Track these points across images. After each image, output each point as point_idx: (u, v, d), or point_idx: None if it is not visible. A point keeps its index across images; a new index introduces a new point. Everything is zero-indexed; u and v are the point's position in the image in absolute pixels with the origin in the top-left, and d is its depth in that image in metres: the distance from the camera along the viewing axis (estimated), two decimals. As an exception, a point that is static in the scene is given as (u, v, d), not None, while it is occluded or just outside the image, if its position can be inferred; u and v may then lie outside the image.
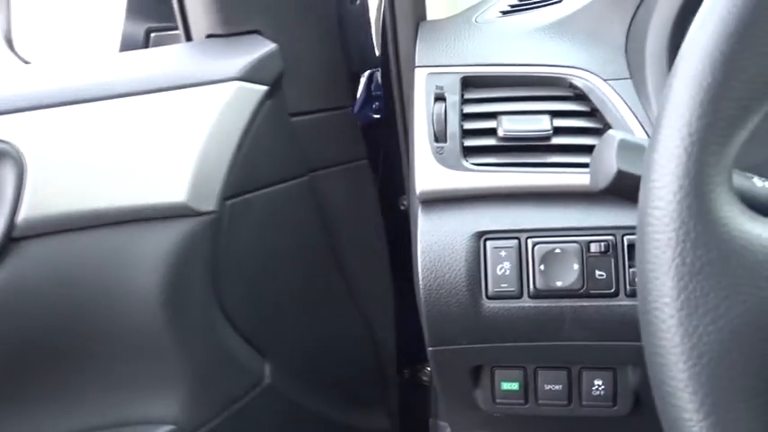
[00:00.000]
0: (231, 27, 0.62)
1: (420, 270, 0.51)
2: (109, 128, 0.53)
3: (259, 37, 0.62)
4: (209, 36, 0.62)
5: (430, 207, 0.52)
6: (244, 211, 0.61)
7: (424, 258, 0.51)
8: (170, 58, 0.61)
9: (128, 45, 0.86)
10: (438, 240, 0.51)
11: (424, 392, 0.87)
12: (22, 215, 0.50)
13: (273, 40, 0.62)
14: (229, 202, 0.59)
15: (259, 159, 0.61)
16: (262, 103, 0.60)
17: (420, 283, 0.51)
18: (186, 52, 0.62)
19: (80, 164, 0.52)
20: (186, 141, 0.55)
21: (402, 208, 0.80)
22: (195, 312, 0.57)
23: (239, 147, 0.58)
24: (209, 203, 0.57)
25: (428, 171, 0.51)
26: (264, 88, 0.60)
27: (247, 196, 0.61)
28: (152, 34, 0.88)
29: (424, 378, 0.86)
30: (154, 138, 0.54)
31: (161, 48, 0.69)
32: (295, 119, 0.66)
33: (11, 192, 0.50)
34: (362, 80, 0.85)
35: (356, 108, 0.84)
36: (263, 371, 0.65)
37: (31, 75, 0.57)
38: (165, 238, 0.55)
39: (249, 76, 0.59)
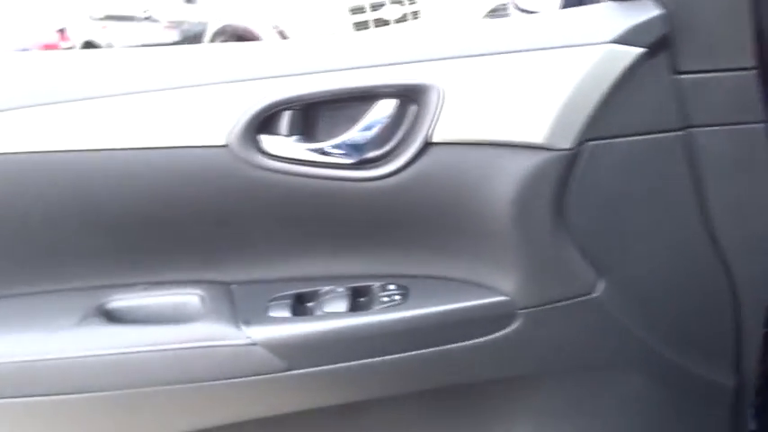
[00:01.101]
0: None
1: None
2: (495, 77, 0.71)
3: (650, 2, 0.69)
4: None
5: None
6: (605, 152, 0.71)
7: None
8: (559, 22, 0.75)
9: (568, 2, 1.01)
10: None
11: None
12: (437, 128, 0.72)
13: (672, 4, 0.68)
14: (591, 143, 0.71)
15: (627, 111, 0.70)
16: (637, 64, 0.68)
17: None
18: (576, 16, 0.74)
19: (474, 98, 0.72)
20: (553, 93, 0.69)
21: None
22: (537, 221, 0.73)
23: (606, 100, 0.68)
24: (566, 143, 0.70)
25: None
26: (641, 50, 0.68)
27: (611, 140, 0.71)
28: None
29: None
30: (529, 87, 0.70)
31: (556, 11, 0.84)
32: (684, 77, 0.71)
33: (433, 112, 0.72)
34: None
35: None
36: (594, 285, 0.76)
37: (460, 31, 0.79)
38: (523, 163, 0.71)
39: (624, 39, 0.68)
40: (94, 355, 0.77)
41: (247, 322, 0.77)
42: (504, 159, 0.71)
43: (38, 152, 0.75)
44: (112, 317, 0.81)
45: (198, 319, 0.79)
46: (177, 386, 0.77)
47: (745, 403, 0.86)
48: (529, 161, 0.70)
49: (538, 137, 0.69)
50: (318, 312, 0.78)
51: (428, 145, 0.72)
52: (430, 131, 0.71)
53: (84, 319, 0.79)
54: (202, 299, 0.81)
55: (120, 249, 0.81)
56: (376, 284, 0.80)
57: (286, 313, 0.78)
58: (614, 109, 0.69)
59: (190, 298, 0.82)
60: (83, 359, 0.77)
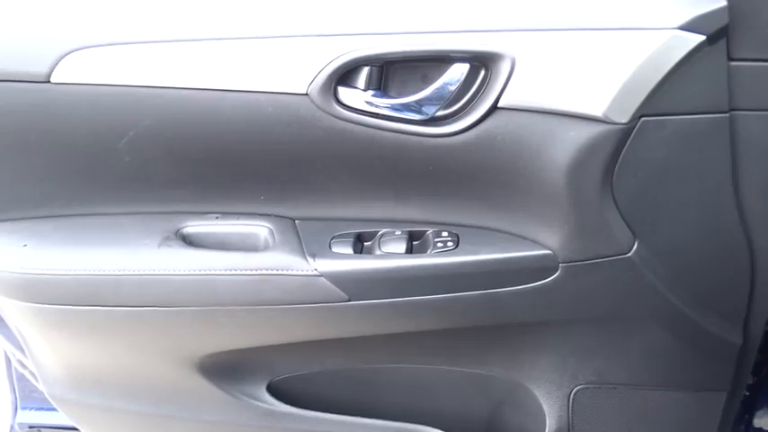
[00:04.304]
0: None
1: None
2: (564, 51, 0.77)
3: None
4: None
5: None
6: (656, 129, 0.78)
7: None
8: (629, 3, 0.78)
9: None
10: None
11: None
12: (505, 93, 0.79)
13: None
14: (644, 119, 0.77)
15: (681, 92, 0.76)
16: (696, 50, 0.74)
17: None
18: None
19: (542, 69, 0.77)
20: (617, 71, 0.75)
21: None
22: (587, 187, 0.80)
23: (663, 81, 0.75)
24: (623, 117, 0.76)
25: None
26: (702, 38, 0.74)
27: (663, 118, 0.77)
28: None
29: None
30: (595, 63, 0.76)
31: None
32: (736, 63, 0.77)
33: (503, 79, 0.78)
34: None
35: None
36: (630, 246, 0.84)
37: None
38: (581, 132, 0.77)
39: (689, 27, 0.73)
40: (173, 274, 0.86)
41: (313, 255, 0.85)
42: (564, 128, 0.77)
43: (132, 86, 0.81)
44: (189, 240, 0.89)
45: (268, 249, 0.87)
46: (248, 307, 0.87)
47: (748, 359, 0.96)
48: (586, 131, 0.76)
49: (598, 110, 0.75)
50: (377, 251, 0.87)
51: (495, 109, 0.78)
52: (498, 96, 0.77)
53: (165, 240, 0.88)
54: (271, 231, 0.89)
55: (198, 180, 0.89)
56: (430, 230, 0.89)
57: (348, 250, 0.87)
58: (670, 89, 0.75)
59: (259, 229, 0.90)
60: (162, 277, 0.86)
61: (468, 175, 0.84)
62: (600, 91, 0.75)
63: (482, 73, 0.78)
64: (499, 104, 0.78)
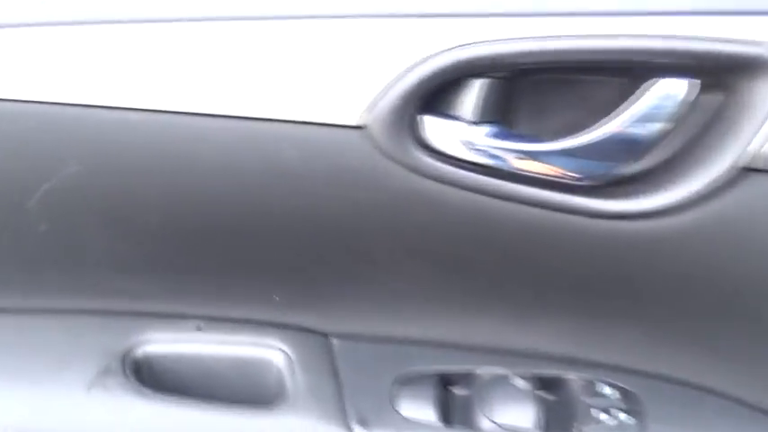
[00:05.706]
0: None
1: None
2: None
3: None
4: None
5: None
6: None
7: None
8: None
9: None
10: None
11: None
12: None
13: None
14: None
15: None
16: None
17: None
18: None
19: None
20: None
21: None
22: None
23: None
24: None
25: None
26: None
27: None
28: None
29: None
30: None
31: None
32: None
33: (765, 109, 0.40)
34: None
35: None
36: None
37: None
38: None
39: None
40: None
41: (363, 421, 0.48)
42: None
43: (46, 103, 0.45)
44: (147, 372, 0.52)
45: (282, 398, 0.50)
46: None
47: None
48: None
49: None
50: (480, 416, 0.49)
51: (743, 171, 0.40)
52: (751, 146, 0.39)
53: (102, 375, 0.51)
54: (288, 358, 0.52)
55: (162, 264, 0.52)
56: (577, 378, 0.50)
57: (427, 410, 0.49)
58: None
59: (270, 353, 0.53)
60: None
61: (679, 288, 0.46)
62: None
63: (719, 97, 0.40)
64: (752, 163, 0.40)
